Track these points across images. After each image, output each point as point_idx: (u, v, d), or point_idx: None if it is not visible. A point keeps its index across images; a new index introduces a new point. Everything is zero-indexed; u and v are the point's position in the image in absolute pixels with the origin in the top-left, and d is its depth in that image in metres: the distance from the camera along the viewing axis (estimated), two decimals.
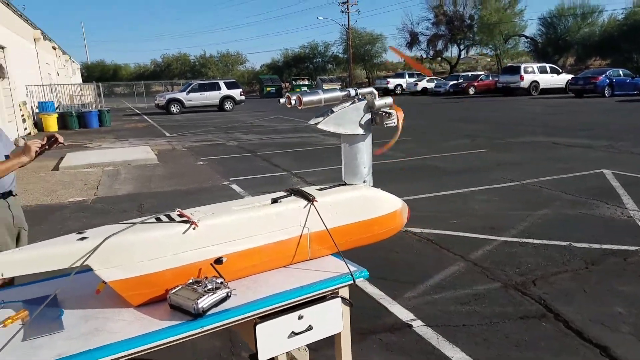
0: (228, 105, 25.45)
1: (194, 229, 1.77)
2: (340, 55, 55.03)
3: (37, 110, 17.97)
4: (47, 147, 2.67)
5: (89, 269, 1.63)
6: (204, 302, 1.60)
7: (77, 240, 1.63)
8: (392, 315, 3.27)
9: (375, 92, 2.25)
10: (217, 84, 25.75)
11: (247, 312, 1.69)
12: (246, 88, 60.64)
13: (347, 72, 51.02)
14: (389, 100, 2.25)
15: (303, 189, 2.22)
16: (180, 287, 1.67)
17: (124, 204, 6.56)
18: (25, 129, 16.21)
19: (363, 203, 2.21)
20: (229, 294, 1.69)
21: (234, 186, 7.41)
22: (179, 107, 24.80)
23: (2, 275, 1.50)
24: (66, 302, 1.72)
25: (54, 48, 30.69)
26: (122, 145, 12.92)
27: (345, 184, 2.30)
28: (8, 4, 16.76)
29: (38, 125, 17.41)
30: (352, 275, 1.94)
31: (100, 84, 45.56)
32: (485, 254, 4.31)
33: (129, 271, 1.65)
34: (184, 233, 1.75)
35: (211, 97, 25.17)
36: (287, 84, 49.60)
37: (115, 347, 1.43)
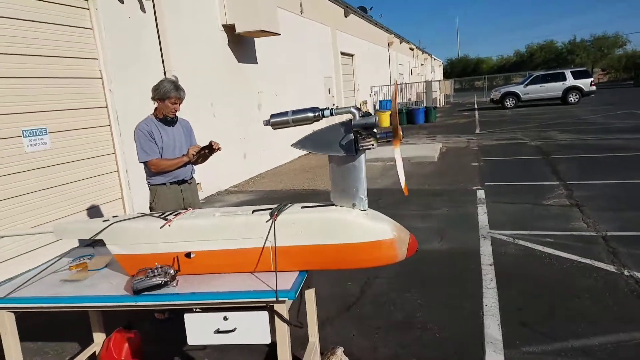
0: (572, 98, 22.77)
1: (169, 226, 2.29)
2: None
3: (377, 108, 21.15)
4: (206, 151, 3.66)
5: None
6: (139, 284, 2.12)
7: (102, 221, 2.43)
8: None
9: (355, 112, 2.15)
10: (563, 74, 23.33)
11: (173, 300, 2.10)
12: (621, 75, 51.72)
13: None
14: (369, 120, 2.11)
15: (287, 204, 2.36)
16: (145, 269, 2.24)
17: None
18: None
19: (336, 226, 2.18)
20: (165, 282, 2.13)
21: (480, 192, 7.08)
22: (514, 101, 23.96)
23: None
24: (115, 264, 2.55)
25: (411, 49, 34.78)
26: (425, 141, 13.86)
27: (332, 205, 2.29)
28: (362, 16, 20.31)
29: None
30: (276, 293, 2.02)
31: (452, 80, 47.96)
32: None
33: (124, 249, 2.33)
34: (160, 228, 2.30)
35: (552, 88, 23.10)
36: None
37: (75, 299, 2.16)
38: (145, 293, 2.13)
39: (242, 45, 9.72)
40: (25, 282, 2.36)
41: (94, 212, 6.11)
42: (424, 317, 3.46)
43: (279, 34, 9.86)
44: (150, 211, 3.74)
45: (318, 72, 14.54)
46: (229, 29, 9.12)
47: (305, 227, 2.19)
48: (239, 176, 9.56)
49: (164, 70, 7.36)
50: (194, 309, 2.15)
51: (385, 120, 19.80)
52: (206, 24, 8.69)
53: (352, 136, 2.15)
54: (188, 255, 2.28)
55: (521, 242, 4.83)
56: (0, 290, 2.30)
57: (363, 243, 2.16)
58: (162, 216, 2.42)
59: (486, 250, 4.68)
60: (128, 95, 6.62)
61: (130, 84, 6.67)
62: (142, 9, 7.06)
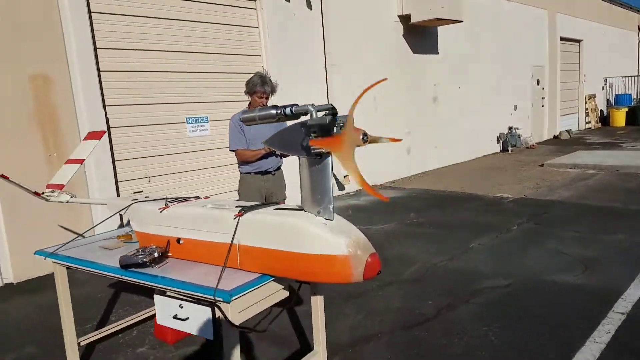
0: None
1: (167, 211, 2.50)
2: None
3: (612, 104, 17.88)
4: None
5: None
6: (123, 259, 2.37)
7: (131, 199, 2.78)
8: None
9: (312, 110, 1.96)
10: None
11: (144, 280, 2.29)
12: None
13: None
14: (322, 120, 1.91)
15: (269, 205, 2.30)
16: (142, 247, 2.49)
17: (526, 209, 6.39)
18: (588, 122, 16.71)
19: (291, 233, 2.04)
20: (144, 262, 2.33)
21: None
22: None
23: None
24: None
25: None
26: None
27: (301, 210, 2.15)
28: None
29: (606, 119, 17.39)
30: (214, 291, 2.00)
31: None
32: None
33: (139, 226, 2.64)
34: (160, 212, 2.52)
35: None
36: None
37: (78, 262, 2.57)
38: (132, 269, 2.38)
39: (420, 35, 9.45)
40: (73, 242, 2.90)
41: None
42: None
43: (461, 21, 9.25)
44: (238, 196, 4.09)
45: (524, 61, 13.09)
46: (405, 19, 8.98)
47: (265, 229, 2.12)
48: (399, 172, 9.39)
49: (325, 64, 7.73)
50: (166, 292, 2.31)
51: (619, 119, 16.70)
52: (379, 15, 8.74)
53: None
54: (178, 240, 2.45)
55: None
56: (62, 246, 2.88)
57: (315, 255, 1.98)
58: (171, 201, 2.64)
59: (632, 295, 3.64)
60: (285, 90, 7.18)
61: (289, 79, 7.23)
62: (309, 5, 7.52)
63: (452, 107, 10.46)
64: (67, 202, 3.19)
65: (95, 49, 5.21)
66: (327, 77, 7.75)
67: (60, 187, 3.33)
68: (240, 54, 6.75)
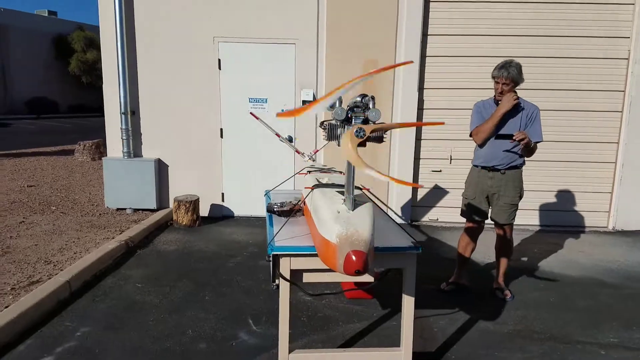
0: None
1: (306, 176, 3.03)
2: None
3: None
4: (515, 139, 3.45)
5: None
6: (268, 206, 3.07)
7: (311, 164, 3.40)
8: None
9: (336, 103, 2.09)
10: None
11: (267, 223, 2.94)
12: None
13: None
14: (337, 112, 2.04)
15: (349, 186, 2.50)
16: (290, 201, 3.13)
17: None
18: None
19: (318, 210, 2.27)
20: (275, 211, 2.98)
21: None
22: None
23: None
24: None
25: None
26: None
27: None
28: None
29: None
30: (273, 239, 2.46)
31: None
32: None
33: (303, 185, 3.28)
34: (304, 177, 3.07)
35: None
36: None
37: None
38: (270, 213, 3.08)
39: None
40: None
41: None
42: None
43: None
44: None
45: None
46: None
47: (314, 204, 2.40)
48: None
49: None
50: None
51: None
52: None
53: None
54: (303, 202, 2.97)
55: None
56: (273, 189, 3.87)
57: (321, 236, 2.14)
58: (317, 170, 3.14)
59: None
60: None
61: None
62: None
63: None
64: (306, 161, 4.13)
65: (424, 35, 5.81)
66: None
67: (316, 151, 4.33)
68: (596, 36, 5.83)
